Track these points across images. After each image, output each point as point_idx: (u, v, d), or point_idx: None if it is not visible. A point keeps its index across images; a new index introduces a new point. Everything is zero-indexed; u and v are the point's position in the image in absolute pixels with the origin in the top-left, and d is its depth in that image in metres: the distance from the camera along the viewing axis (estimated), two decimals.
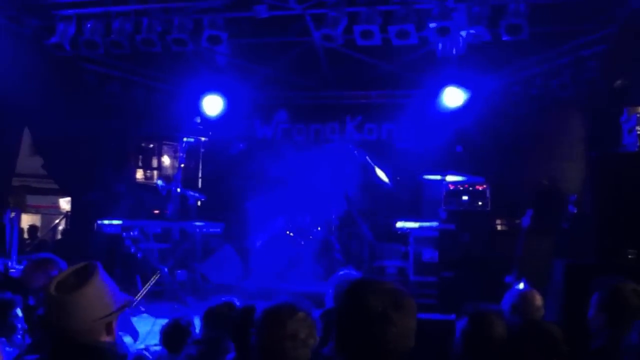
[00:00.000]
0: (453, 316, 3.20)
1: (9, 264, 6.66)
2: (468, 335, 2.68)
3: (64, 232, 10.03)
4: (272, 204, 9.26)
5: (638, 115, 4.81)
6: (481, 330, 2.65)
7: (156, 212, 8.86)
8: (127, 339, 4.54)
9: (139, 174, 9.74)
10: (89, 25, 7.74)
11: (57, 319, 2.00)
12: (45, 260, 3.63)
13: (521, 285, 4.18)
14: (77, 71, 9.20)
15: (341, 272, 3.91)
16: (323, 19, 7.41)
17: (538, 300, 3.87)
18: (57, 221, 10.12)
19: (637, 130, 4.78)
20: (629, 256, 4.42)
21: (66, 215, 10.14)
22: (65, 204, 10.20)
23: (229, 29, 7.75)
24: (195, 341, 2.99)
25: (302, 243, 8.44)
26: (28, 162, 10.01)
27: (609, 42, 7.60)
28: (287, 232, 8.57)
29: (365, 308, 1.80)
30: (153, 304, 7.12)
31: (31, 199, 9.71)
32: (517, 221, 7.45)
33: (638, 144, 4.76)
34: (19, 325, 3.05)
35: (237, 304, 2.99)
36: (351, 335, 1.83)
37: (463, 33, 7.11)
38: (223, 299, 3.03)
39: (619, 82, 6.64)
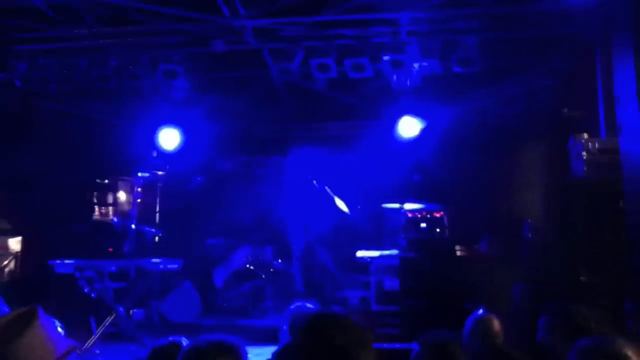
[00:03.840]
0: (415, 344, 3.18)
1: None
2: None
3: (12, 273, 9.62)
4: (231, 237, 9.14)
5: (583, 141, 4.97)
6: (434, 357, 2.63)
7: (111, 250, 8.61)
8: None
9: (95, 212, 9.49)
10: (40, 61, 7.63)
11: None
12: None
13: (480, 311, 4.19)
14: (30, 107, 9.01)
15: (294, 306, 3.83)
16: (280, 52, 7.49)
17: (496, 325, 3.89)
18: (5, 262, 9.70)
19: (584, 156, 4.95)
20: (581, 278, 4.52)
21: (16, 256, 9.75)
22: (15, 244, 9.80)
23: (185, 64, 7.75)
24: None
25: (263, 276, 8.32)
26: None
27: (560, 73, 7.92)
28: (248, 266, 8.44)
29: (327, 346, 1.76)
30: (109, 346, 6.86)
31: None
32: (476, 247, 7.56)
33: (584, 169, 4.92)
34: None
35: (184, 343, 2.88)
36: None
37: (416, 65, 7.29)
38: (170, 338, 2.91)
39: (565, 110, 6.89)
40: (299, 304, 3.84)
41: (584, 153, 4.90)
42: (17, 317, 1.95)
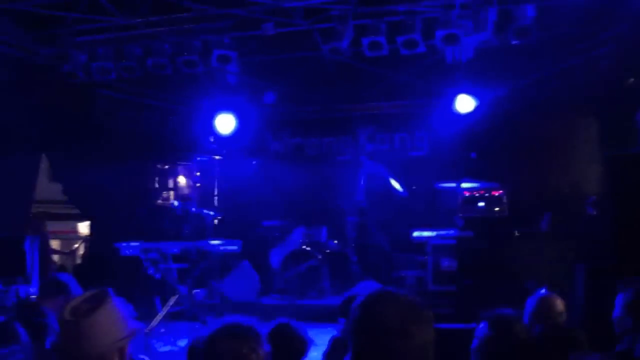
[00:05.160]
0: (473, 325, 3.15)
1: (30, 290, 6.75)
2: (488, 341, 2.63)
3: (82, 256, 10.14)
4: (287, 218, 9.27)
5: None
6: (501, 335, 2.60)
7: (173, 232, 8.91)
8: None
9: (158, 196, 9.84)
10: (100, 51, 7.89)
11: (70, 344, 2.01)
12: (54, 283, 3.67)
13: (543, 291, 4.10)
14: (92, 97, 9.37)
15: (359, 286, 3.87)
16: (330, 32, 7.45)
17: (559, 305, 3.80)
18: (76, 245, 10.23)
19: None
20: None
21: (85, 239, 10.26)
22: (84, 228, 10.31)
23: (237, 48, 7.84)
24: None
25: (320, 257, 8.42)
26: (47, 188, 10.19)
27: (619, 41, 7.52)
28: (304, 247, 8.55)
29: (382, 323, 1.74)
30: (173, 325, 7.14)
31: (50, 225, 9.84)
32: (536, 225, 7.36)
33: None
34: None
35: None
36: (368, 351, 1.77)
37: (470, 39, 7.09)
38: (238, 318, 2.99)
39: (631, 80, 6.55)
40: (363, 283, 3.87)
41: None
42: (91, 297, 2.09)
